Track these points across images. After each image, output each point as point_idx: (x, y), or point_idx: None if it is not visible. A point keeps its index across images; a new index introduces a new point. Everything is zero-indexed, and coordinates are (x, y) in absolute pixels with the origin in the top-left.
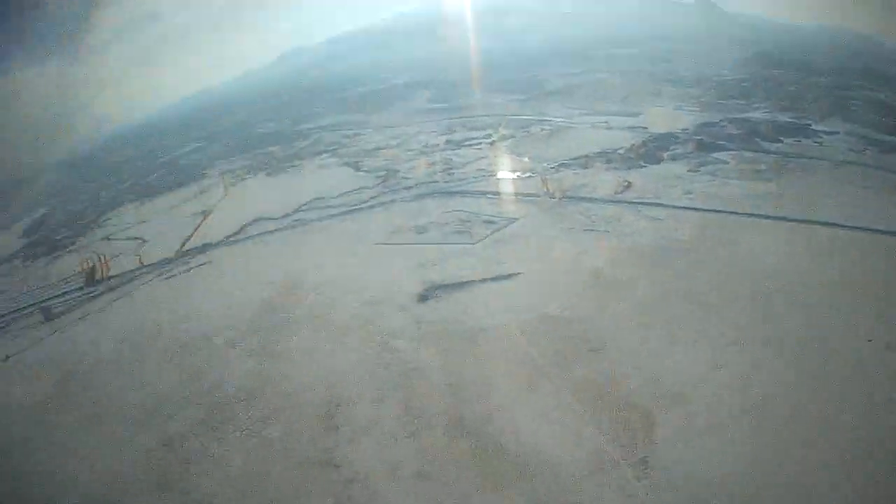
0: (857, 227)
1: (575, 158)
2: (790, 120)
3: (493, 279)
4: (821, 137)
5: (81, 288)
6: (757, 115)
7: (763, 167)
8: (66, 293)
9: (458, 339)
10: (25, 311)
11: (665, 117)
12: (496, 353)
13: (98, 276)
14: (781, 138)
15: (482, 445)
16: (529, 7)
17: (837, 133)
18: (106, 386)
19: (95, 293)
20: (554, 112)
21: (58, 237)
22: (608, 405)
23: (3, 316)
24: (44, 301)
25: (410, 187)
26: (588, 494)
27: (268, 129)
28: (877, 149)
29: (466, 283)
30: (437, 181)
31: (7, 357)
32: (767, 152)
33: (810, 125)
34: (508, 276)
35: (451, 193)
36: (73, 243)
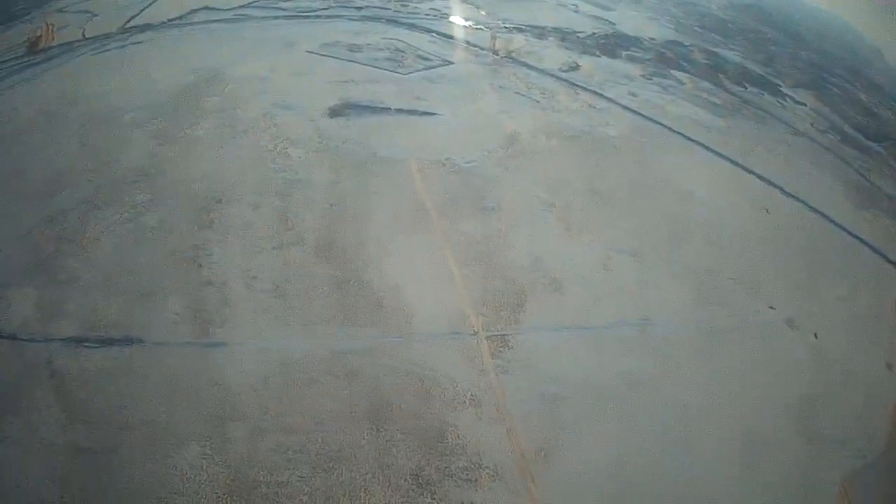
0: (791, 195)
1: (531, 26)
2: (760, 73)
3: (409, 112)
4: (786, 101)
5: (23, 57)
6: (729, 54)
7: (718, 102)
8: (5, 61)
9: (352, 160)
10: None
11: (636, 21)
12: (385, 183)
13: (41, 45)
14: (746, 84)
15: (346, 276)
16: None
17: (804, 106)
18: (10, 156)
19: (34, 62)
20: None
21: (16, 7)
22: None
23: None
24: None
25: (361, 7)
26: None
27: None
28: (839, 137)
29: (381, 109)
30: (389, 9)
31: None
32: (727, 90)
33: (780, 87)
34: (424, 114)
35: (398, 23)
36: (27, 13)
